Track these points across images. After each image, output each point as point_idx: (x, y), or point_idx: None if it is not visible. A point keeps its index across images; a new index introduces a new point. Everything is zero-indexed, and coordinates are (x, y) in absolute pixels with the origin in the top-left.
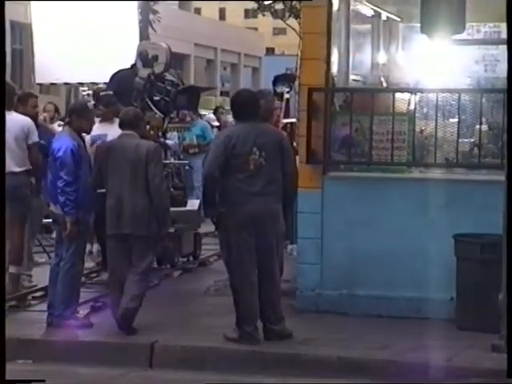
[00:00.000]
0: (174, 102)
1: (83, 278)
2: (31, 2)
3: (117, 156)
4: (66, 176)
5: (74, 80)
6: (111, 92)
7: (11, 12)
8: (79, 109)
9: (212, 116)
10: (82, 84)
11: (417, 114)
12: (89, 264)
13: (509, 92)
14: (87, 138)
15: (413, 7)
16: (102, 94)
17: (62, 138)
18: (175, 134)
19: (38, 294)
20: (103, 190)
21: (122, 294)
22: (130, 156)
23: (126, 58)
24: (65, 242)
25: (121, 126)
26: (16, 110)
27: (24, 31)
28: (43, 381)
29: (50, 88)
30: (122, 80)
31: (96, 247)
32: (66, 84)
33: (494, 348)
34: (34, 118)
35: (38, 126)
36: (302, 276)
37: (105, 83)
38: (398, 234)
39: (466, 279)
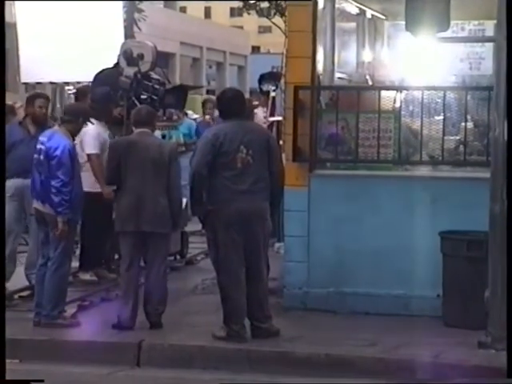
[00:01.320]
0: (161, 101)
1: (70, 278)
2: (15, 1)
3: (138, 153)
4: (63, 176)
5: (59, 79)
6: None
7: None
8: (77, 110)
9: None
10: (67, 83)
11: (402, 112)
12: (75, 263)
13: (508, 90)
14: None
15: (397, 5)
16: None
17: (57, 137)
18: (158, 132)
19: (24, 293)
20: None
21: (136, 290)
22: (154, 154)
23: (112, 56)
24: (53, 242)
25: (134, 124)
26: (25, 111)
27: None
28: (42, 381)
29: (35, 87)
30: (106, 79)
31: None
32: (51, 83)
33: (481, 345)
34: (42, 118)
35: (48, 126)
36: (289, 274)
37: (90, 82)
38: (385, 232)
39: (453, 276)
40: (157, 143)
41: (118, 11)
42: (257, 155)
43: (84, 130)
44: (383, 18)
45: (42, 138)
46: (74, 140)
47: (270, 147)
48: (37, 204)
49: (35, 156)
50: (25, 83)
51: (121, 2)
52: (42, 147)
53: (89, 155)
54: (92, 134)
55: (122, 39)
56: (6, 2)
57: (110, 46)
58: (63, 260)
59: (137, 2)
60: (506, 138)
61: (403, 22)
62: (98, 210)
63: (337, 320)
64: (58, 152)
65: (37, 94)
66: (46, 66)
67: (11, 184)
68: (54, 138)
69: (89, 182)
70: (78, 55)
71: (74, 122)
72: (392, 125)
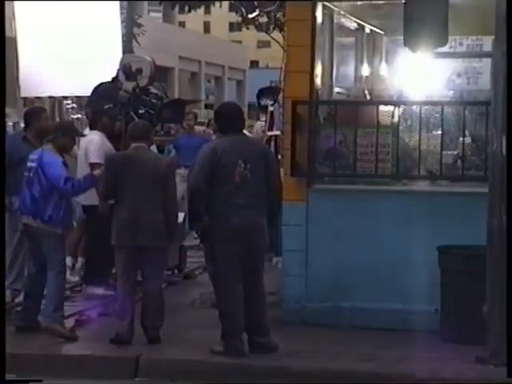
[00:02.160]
0: (159, 115)
1: (68, 292)
2: (16, 16)
3: (135, 168)
4: (66, 183)
5: (58, 93)
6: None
7: None
8: (66, 127)
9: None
10: (66, 97)
11: (400, 127)
12: (73, 278)
13: (507, 105)
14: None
15: (396, 20)
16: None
17: (46, 153)
18: (154, 147)
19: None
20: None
21: (133, 304)
22: (150, 169)
23: (110, 71)
24: (52, 253)
25: (130, 138)
26: (30, 126)
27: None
28: (40, 381)
29: (34, 101)
30: (104, 93)
31: (81, 261)
32: (50, 97)
33: (478, 360)
34: (48, 131)
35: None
36: (286, 288)
37: (87, 96)
38: (383, 246)
39: (450, 291)
40: (153, 157)
41: (116, 26)
42: (255, 170)
43: (89, 139)
44: (382, 33)
45: (32, 156)
46: (62, 157)
47: (268, 161)
48: (28, 219)
49: (26, 174)
50: (23, 98)
51: (119, 16)
52: (33, 165)
53: (92, 164)
54: (97, 144)
55: (120, 54)
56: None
57: (108, 61)
58: (63, 268)
59: (136, 17)
60: (504, 152)
61: (401, 38)
62: (102, 223)
63: (335, 334)
64: (55, 165)
65: (41, 108)
66: (45, 80)
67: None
68: (43, 155)
69: (92, 195)
70: (77, 69)
71: (61, 139)
72: (390, 139)
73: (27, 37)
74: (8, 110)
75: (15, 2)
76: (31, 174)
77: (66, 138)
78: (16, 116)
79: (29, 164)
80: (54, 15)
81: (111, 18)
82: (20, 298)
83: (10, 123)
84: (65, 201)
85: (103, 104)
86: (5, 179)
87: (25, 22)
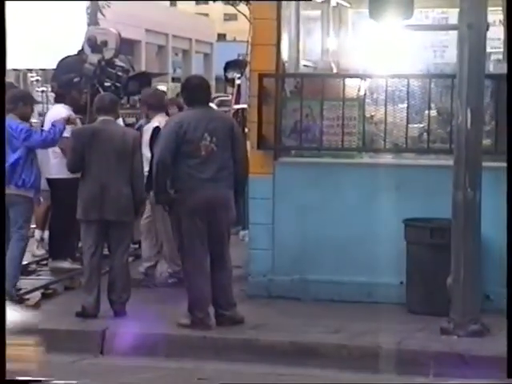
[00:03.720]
0: (125, 89)
1: (34, 266)
2: None
3: (102, 142)
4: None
5: (22, 66)
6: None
7: None
8: (27, 96)
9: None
10: (30, 70)
11: (366, 100)
12: (40, 251)
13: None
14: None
15: None
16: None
17: (13, 122)
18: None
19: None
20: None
21: (99, 278)
22: (118, 144)
23: (75, 43)
24: (18, 218)
25: (97, 111)
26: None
27: None
28: (39, 381)
29: None
30: (70, 66)
31: (47, 234)
32: (14, 70)
33: (443, 331)
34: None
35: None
36: (253, 262)
37: (53, 69)
38: (349, 219)
39: (416, 263)
40: (120, 132)
41: None
42: (221, 143)
43: (56, 112)
44: (347, 5)
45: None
46: (29, 123)
47: (234, 135)
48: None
49: None
50: None
51: None
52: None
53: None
54: (54, 117)
55: (84, 26)
56: None
57: (73, 33)
58: (24, 235)
59: None
60: (469, 125)
61: (367, 10)
62: (66, 196)
63: (301, 307)
64: (25, 129)
65: (26, 93)
66: (10, 52)
67: None
68: (9, 123)
69: (56, 169)
70: (41, 42)
71: (22, 108)
72: (356, 112)
73: None
74: None
75: None
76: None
77: (27, 106)
78: None
79: None
80: None
81: None
82: None
83: None
84: (35, 166)
85: (72, 77)
86: (4, 178)
87: None
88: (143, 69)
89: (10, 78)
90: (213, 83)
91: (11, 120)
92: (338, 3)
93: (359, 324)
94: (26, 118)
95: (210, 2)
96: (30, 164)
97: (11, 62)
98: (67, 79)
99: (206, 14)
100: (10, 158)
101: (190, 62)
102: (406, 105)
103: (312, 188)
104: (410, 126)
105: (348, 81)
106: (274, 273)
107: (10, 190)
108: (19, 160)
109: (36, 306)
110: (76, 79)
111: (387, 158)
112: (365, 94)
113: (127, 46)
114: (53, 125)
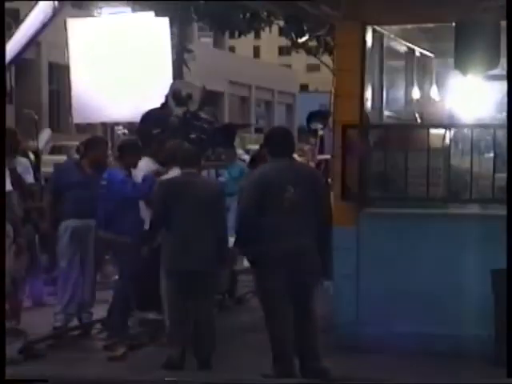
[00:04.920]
0: (210, 140)
1: None
2: (70, 44)
3: (186, 193)
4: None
5: (110, 120)
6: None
7: (50, 54)
8: (133, 144)
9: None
10: (117, 123)
11: (452, 150)
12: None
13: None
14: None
15: (446, 43)
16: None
17: (113, 171)
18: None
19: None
20: None
21: (185, 330)
22: (201, 194)
23: (160, 97)
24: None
25: (181, 164)
26: (87, 153)
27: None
28: (46, 381)
29: (86, 128)
30: (155, 120)
31: None
32: (102, 124)
33: None
34: (105, 162)
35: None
36: (337, 313)
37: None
38: (434, 270)
39: (504, 316)
40: (204, 182)
41: (166, 52)
42: (304, 194)
43: (144, 166)
44: (432, 55)
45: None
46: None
47: (318, 186)
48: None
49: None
50: (76, 124)
51: (169, 41)
52: (104, 183)
53: None
54: (142, 170)
55: (170, 79)
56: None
57: (159, 86)
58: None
59: (186, 43)
60: None
61: (452, 60)
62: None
63: (386, 360)
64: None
65: (100, 138)
66: (97, 106)
67: (67, 224)
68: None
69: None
70: (128, 95)
71: (128, 157)
72: (441, 162)
73: (80, 64)
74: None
75: (69, 30)
76: (104, 191)
77: (133, 155)
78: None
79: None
80: (105, 43)
81: (161, 42)
82: (74, 323)
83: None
84: (134, 212)
85: (151, 130)
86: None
87: (77, 50)
88: (226, 120)
89: (97, 132)
90: (295, 134)
91: (114, 169)
92: (421, 53)
93: (446, 378)
94: (133, 165)
95: (293, 53)
96: (129, 210)
97: (100, 116)
98: (147, 131)
99: (289, 65)
100: (107, 205)
101: (272, 112)
102: (492, 154)
103: (396, 239)
104: (496, 175)
105: (432, 131)
106: (358, 324)
107: (110, 235)
108: (116, 206)
109: (122, 357)
110: (155, 131)
111: (473, 209)
112: (450, 144)
113: (210, 97)
114: (143, 179)
